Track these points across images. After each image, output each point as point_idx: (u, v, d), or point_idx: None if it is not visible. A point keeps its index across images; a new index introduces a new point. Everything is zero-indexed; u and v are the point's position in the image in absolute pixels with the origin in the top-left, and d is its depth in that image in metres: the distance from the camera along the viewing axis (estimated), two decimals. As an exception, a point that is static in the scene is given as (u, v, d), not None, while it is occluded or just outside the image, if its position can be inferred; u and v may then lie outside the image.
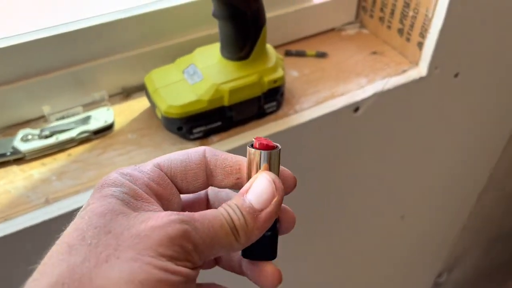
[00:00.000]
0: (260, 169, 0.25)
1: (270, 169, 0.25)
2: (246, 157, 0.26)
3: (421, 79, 0.56)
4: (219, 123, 0.46)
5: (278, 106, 0.50)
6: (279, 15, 0.56)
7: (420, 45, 0.55)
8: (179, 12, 0.50)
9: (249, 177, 0.25)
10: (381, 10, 0.59)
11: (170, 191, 0.25)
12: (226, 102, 0.45)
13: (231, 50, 0.45)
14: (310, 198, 0.61)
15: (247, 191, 0.24)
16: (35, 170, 0.43)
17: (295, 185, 0.27)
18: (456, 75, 0.60)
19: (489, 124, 0.78)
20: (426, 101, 0.60)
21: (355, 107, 0.53)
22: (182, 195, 0.26)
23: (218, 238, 0.22)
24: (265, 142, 0.25)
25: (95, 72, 0.50)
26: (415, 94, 0.57)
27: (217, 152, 0.26)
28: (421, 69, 0.56)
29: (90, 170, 0.44)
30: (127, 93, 0.52)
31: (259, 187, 0.24)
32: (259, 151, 0.25)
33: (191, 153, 0.26)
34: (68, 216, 0.41)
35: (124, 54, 0.50)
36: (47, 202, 0.41)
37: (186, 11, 0.50)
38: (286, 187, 0.26)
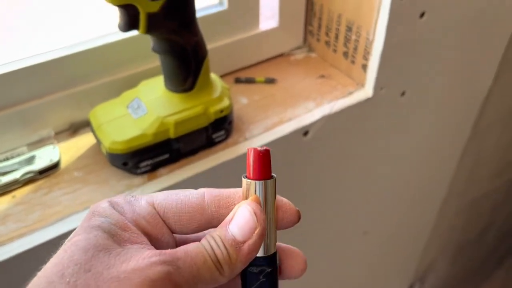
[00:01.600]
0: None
1: (265, 198, 0.24)
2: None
3: (368, 100, 0.57)
4: (166, 156, 0.46)
5: (227, 135, 0.50)
6: (227, 44, 0.57)
7: (365, 67, 0.57)
8: (123, 46, 0.50)
9: None
10: (326, 34, 0.61)
11: (160, 230, 0.24)
12: (172, 134, 0.45)
13: (174, 83, 0.45)
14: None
15: (230, 222, 0.24)
16: (-23, 215, 0.42)
17: (299, 219, 0.27)
18: (402, 94, 0.62)
19: (443, 136, 0.80)
20: (375, 121, 0.62)
21: (305, 131, 0.54)
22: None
23: (202, 275, 0.22)
24: (259, 166, 0.24)
25: (41, 110, 0.49)
26: (363, 114, 0.59)
27: (220, 192, 0.25)
28: (367, 90, 0.58)
29: (35, 211, 0.43)
30: (74, 129, 0.51)
31: (241, 218, 0.24)
32: (252, 181, 0.24)
33: (190, 195, 0.25)
34: (13, 261, 0.40)
35: (70, 90, 0.50)
36: (-12, 248, 0.40)
37: (131, 45, 0.51)
38: (288, 222, 0.26)
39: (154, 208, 0.24)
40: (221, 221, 0.24)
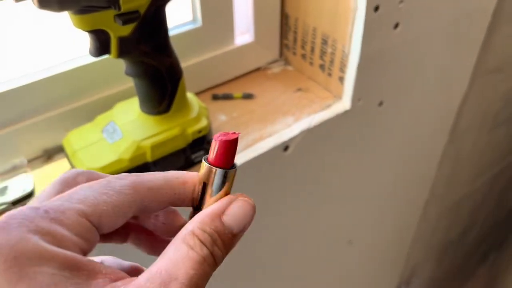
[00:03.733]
0: (220, 188, 0.23)
1: (227, 187, 0.23)
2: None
3: (346, 112, 0.57)
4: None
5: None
6: (203, 61, 0.57)
7: (341, 79, 0.57)
8: (96, 68, 0.49)
9: (201, 193, 0.23)
10: (302, 47, 0.61)
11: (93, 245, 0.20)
12: (149, 158, 0.44)
13: (149, 105, 0.44)
14: (250, 237, 0.61)
15: (223, 214, 0.22)
16: None
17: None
18: (380, 104, 0.62)
19: (421, 143, 0.81)
20: (354, 132, 0.62)
21: (285, 146, 0.53)
22: None
23: (201, 279, 0.19)
24: (222, 151, 0.23)
25: (13, 137, 0.47)
26: (341, 126, 0.59)
27: (152, 184, 0.22)
28: (345, 103, 0.58)
29: (8, 245, 0.41)
30: (48, 156, 0.50)
31: (241, 212, 0.22)
32: (222, 170, 0.23)
33: (122, 198, 0.21)
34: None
35: (43, 115, 0.48)
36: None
37: (104, 67, 0.49)
38: None
39: (89, 221, 0.19)
40: (158, 205, 0.22)
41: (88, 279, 0.18)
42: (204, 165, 0.23)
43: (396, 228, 0.98)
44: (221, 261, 0.21)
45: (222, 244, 0.21)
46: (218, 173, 0.23)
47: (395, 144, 0.73)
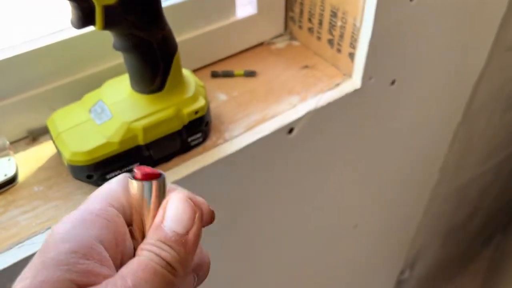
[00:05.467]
0: (150, 203, 0.23)
1: (160, 199, 0.23)
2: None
3: (356, 91, 0.53)
4: (136, 165, 0.41)
5: (205, 137, 0.45)
6: (201, 34, 0.52)
7: (352, 55, 0.53)
8: (83, 42, 0.45)
9: (139, 212, 0.23)
10: (309, 20, 0.56)
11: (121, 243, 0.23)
12: (141, 141, 0.40)
13: (140, 83, 0.40)
14: (256, 224, 0.57)
15: (162, 221, 0.22)
16: None
17: (213, 220, 0.25)
18: (392, 83, 0.58)
19: (433, 123, 0.77)
20: (364, 112, 0.58)
21: (289, 129, 0.49)
22: None
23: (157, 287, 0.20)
24: (149, 171, 0.23)
25: (-4, 115, 0.43)
26: (351, 107, 0.55)
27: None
28: (355, 81, 0.53)
29: (-12, 235, 0.38)
30: (33, 137, 0.46)
31: (176, 210, 0.22)
32: (149, 182, 0.23)
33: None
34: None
35: (26, 94, 0.44)
36: None
37: (92, 40, 0.45)
38: (204, 222, 0.24)
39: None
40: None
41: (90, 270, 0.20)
42: (134, 185, 0.23)
43: (403, 212, 0.95)
44: (183, 265, 0.21)
45: (170, 248, 0.21)
46: (146, 189, 0.23)
47: (406, 125, 0.69)
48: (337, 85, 0.53)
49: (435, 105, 0.72)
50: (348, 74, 0.54)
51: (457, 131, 0.85)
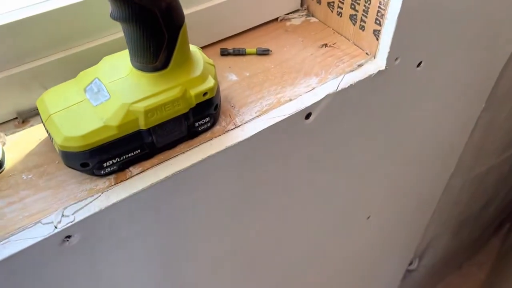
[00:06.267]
0: None
1: None
2: None
3: (380, 72, 0.48)
4: (137, 152, 0.37)
5: (213, 122, 0.41)
6: (210, 8, 0.47)
7: (377, 33, 0.47)
8: (80, 11, 0.40)
9: None
10: (329, -6, 0.51)
11: None
12: (142, 125, 0.35)
13: (142, 60, 0.35)
14: (266, 216, 0.53)
15: None
16: None
17: None
18: (418, 64, 0.53)
19: (456, 110, 0.72)
20: (387, 96, 0.53)
21: (307, 113, 0.45)
22: None
23: None
24: None
25: (-21, 94, 0.39)
26: (374, 90, 0.50)
27: None
28: (379, 61, 0.48)
29: (-30, 228, 0.33)
30: (23, 119, 0.41)
31: None
32: None
33: None
34: None
35: (13, 69, 0.39)
36: None
37: (90, 9, 0.40)
38: None
39: None
40: None
41: None
42: None
43: (417, 202, 0.91)
44: None
45: None
46: None
47: (429, 111, 0.64)
48: (360, 65, 0.48)
49: (460, 90, 0.67)
50: (371, 54, 0.49)
51: (479, 119, 0.80)
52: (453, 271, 1.75)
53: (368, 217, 0.77)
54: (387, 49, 0.47)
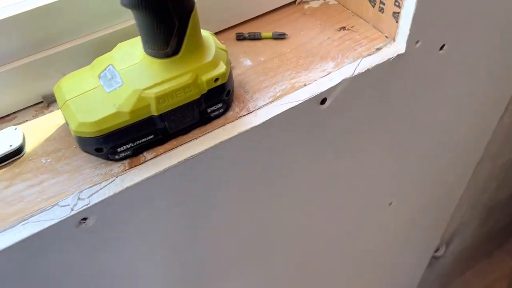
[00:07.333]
0: None
1: None
2: None
3: (399, 56, 0.47)
4: (150, 137, 0.37)
5: (226, 108, 0.41)
6: (225, -9, 0.47)
7: (396, 15, 0.46)
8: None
9: None
10: (348, -25, 0.49)
11: None
12: (154, 111, 0.36)
13: (153, 46, 0.35)
14: (281, 203, 0.53)
15: None
16: None
17: None
18: (441, 48, 0.51)
19: (483, 96, 0.69)
20: (407, 80, 0.51)
21: (322, 99, 0.44)
22: None
23: None
24: None
25: (1, 80, 0.40)
26: (393, 74, 0.48)
27: None
28: (399, 45, 0.47)
29: (-8, 210, 0.35)
30: (48, 103, 0.42)
31: None
32: None
33: None
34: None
35: (33, 56, 0.40)
36: None
37: (104, -3, 0.41)
38: None
39: None
40: None
41: None
42: None
43: (444, 189, 0.88)
44: None
45: None
46: None
47: (453, 96, 0.62)
48: (378, 49, 0.47)
49: (487, 74, 0.64)
50: (391, 37, 0.48)
51: (509, 105, 0.77)
52: (482, 259, 1.71)
53: (390, 203, 0.76)
54: (407, 32, 0.45)
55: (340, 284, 0.89)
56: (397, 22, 0.46)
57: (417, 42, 0.47)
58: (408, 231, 0.96)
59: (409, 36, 0.46)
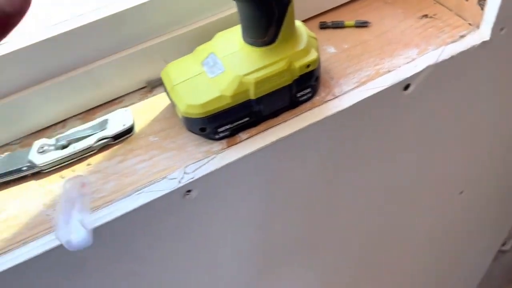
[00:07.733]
0: None
1: None
2: None
3: (484, 43, 0.47)
4: (246, 119, 0.41)
5: (314, 93, 0.43)
6: (311, -18, 0.49)
7: (482, 2, 0.46)
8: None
9: None
10: (432, -37, 0.50)
11: None
12: (252, 95, 0.39)
13: (253, 35, 0.38)
14: (358, 185, 0.55)
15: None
16: (55, 185, 0.40)
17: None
18: (526, 34, 0.51)
19: None
20: (491, 68, 0.51)
21: (405, 85, 0.46)
22: None
23: None
24: None
25: (111, 68, 0.45)
26: (477, 61, 0.49)
27: None
28: (483, 32, 0.47)
29: (110, 181, 0.40)
30: (151, 87, 0.47)
31: None
32: None
33: None
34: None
35: (140, 46, 0.45)
36: (68, 220, 0.38)
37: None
38: None
39: None
40: None
41: None
42: None
43: (516, 179, 0.86)
44: None
45: None
46: None
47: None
48: (462, 36, 0.47)
49: None
50: (475, 24, 0.48)
51: None
52: (552, 256, 1.63)
53: (461, 192, 0.75)
54: (493, 19, 0.46)
55: (402, 275, 0.90)
56: (482, 8, 0.46)
57: (502, 29, 0.47)
58: (475, 222, 0.94)
59: (495, 23, 0.46)
